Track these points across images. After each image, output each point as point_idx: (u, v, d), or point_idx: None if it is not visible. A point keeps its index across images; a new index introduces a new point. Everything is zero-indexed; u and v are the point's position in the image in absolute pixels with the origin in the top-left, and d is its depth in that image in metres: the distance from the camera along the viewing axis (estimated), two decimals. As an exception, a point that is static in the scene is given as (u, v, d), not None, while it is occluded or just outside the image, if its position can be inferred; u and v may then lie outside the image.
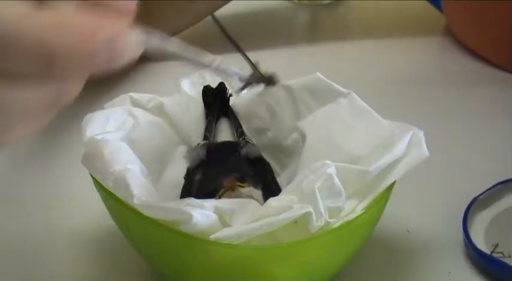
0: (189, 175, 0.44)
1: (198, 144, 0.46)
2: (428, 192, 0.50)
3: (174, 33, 0.72)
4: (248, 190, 0.40)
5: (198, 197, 0.38)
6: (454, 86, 0.67)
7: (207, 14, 0.75)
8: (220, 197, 0.39)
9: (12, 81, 0.25)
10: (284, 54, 0.74)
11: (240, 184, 0.40)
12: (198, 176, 0.43)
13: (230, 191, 0.40)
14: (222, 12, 0.75)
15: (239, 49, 0.73)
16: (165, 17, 0.70)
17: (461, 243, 0.45)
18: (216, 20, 0.80)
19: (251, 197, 0.40)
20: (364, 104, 0.43)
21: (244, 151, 0.45)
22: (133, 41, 0.27)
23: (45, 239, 0.47)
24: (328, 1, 0.87)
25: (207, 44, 0.77)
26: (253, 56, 0.70)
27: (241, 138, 0.47)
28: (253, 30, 0.76)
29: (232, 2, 0.73)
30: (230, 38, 0.76)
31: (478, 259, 0.44)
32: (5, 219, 0.49)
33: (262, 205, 0.38)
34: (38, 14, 0.25)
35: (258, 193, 0.40)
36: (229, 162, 0.44)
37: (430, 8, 0.82)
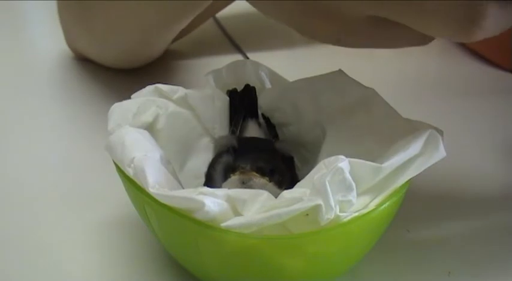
0: (218, 156, 0.45)
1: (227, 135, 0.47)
2: (428, 192, 0.50)
3: (175, 39, 0.73)
4: (262, 181, 0.40)
5: (216, 178, 0.40)
6: (453, 86, 0.67)
7: (208, 17, 0.75)
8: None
9: None
10: (284, 55, 0.74)
11: (256, 174, 0.40)
12: (225, 158, 0.43)
13: (243, 175, 0.40)
14: (222, 12, 0.76)
15: (239, 49, 0.74)
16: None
17: (461, 243, 0.46)
18: (216, 20, 0.80)
19: (264, 188, 0.40)
20: (385, 101, 0.44)
21: (278, 146, 0.45)
22: None
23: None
24: (328, 1, 0.87)
25: (207, 44, 0.77)
26: (253, 56, 0.71)
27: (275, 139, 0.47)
28: (253, 30, 0.77)
29: (232, 2, 0.73)
30: (230, 38, 0.77)
31: None
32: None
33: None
34: None
35: (274, 190, 0.40)
36: (261, 154, 0.43)
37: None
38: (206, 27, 0.77)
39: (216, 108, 0.48)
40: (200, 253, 0.39)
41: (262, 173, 0.40)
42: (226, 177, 0.41)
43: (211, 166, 0.44)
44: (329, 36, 0.40)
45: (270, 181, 0.40)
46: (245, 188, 0.40)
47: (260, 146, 0.45)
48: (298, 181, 0.43)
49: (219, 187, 0.41)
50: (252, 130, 0.47)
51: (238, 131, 0.46)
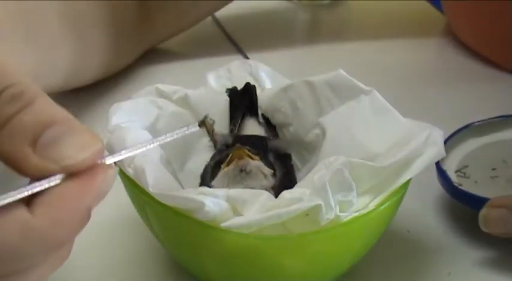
0: (213, 156, 0.45)
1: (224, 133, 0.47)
2: (428, 191, 0.50)
3: (173, 35, 0.73)
4: (258, 163, 0.40)
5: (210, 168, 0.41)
6: (454, 86, 0.67)
7: (207, 14, 0.75)
8: (228, 165, 0.40)
9: None
10: (284, 54, 0.74)
11: (249, 153, 0.40)
12: (217, 157, 0.44)
13: (238, 160, 0.40)
14: (222, 12, 0.76)
15: (239, 49, 0.74)
16: (165, 19, 0.70)
17: (461, 243, 0.46)
18: (216, 20, 0.80)
19: (261, 171, 0.40)
20: (385, 102, 0.44)
21: (272, 144, 0.45)
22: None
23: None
24: (328, 1, 0.86)
25: (207, 44, 0.77)
26: (253, 56, 0.71)
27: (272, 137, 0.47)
28: (253, 30, 0.76)
29: (232, 2, 0.73)
30: (230, 38, 0.76)
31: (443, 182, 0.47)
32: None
33: (270, 187, 0.40)
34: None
35: (268, 170, 0.41)
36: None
37: (430, 8, 0.81)
38: (206, 27, 0.77)
39: (216, 108, 0.48)
40: (200, 253, 0.39)
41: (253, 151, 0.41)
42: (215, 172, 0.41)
43: (206, 166, 0.44)
44: None
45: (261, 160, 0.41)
46: (238, 170, 0.40)
47: (254, 143, 0.44)
48: (297, 180, 0.43)
49: (211, 184, 0.41)
50: (251, 128, 0.47)
51: (236, 129, 0.47)
